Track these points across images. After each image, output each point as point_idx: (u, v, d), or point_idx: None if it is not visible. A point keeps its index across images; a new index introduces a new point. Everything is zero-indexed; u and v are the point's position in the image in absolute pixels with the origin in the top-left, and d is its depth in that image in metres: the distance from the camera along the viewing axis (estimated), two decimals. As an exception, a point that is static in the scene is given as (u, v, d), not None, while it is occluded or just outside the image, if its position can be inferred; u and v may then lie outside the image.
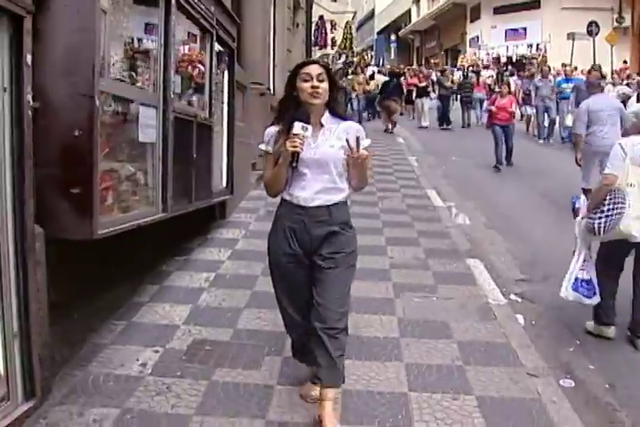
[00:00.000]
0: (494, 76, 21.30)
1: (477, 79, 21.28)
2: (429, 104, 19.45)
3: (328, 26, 24.37)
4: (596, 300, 4.52)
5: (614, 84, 14.95)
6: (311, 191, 3.00)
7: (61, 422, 3.10)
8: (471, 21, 34.58)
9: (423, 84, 19.78)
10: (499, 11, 31.90)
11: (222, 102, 6.59)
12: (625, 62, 21.96)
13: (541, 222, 7.69)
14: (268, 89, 11.96)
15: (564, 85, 15.24)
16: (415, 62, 41.32)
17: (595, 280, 4.52)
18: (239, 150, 7.42)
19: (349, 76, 21.02)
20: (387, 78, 19.58)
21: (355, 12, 38.00)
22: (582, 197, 5.06)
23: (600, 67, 14.09)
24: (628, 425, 3.50)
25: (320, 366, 3.07)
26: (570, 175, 9.04)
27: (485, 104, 15.55)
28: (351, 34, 29.90)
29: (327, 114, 3.04)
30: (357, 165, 2.96)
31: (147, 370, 3.67)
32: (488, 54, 32.07)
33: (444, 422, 3.20)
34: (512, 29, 32.01)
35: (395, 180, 10.23)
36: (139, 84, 4.20)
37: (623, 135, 4.78)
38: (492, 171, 11.66)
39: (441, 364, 3.84)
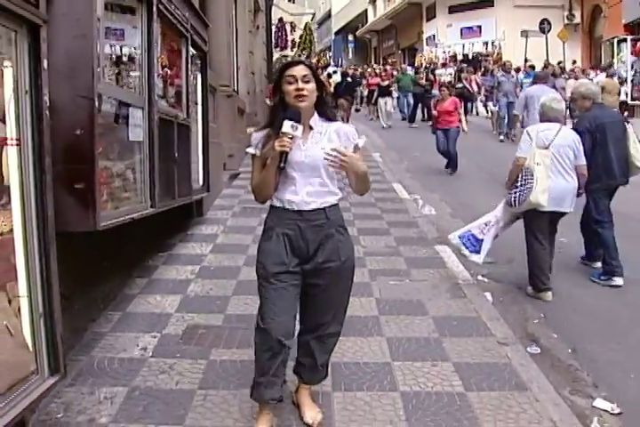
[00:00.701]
0: (452, 74, 21.78)
1: (434, 77, 21.83)
2: (392, 103, 19.62)
3: (288, 27, 24.66)
4: (474, 257, 5.40)
5: (577, 79, 15.21)
6: (303, 195, 2.85)
7: (74, 400, 3.36)
8: (427, 20, 35.17)
9: (386, 82, 19.65)
10: (454, 9, 32.54)
11: (196, 103, 6.83)
12: (574, 62, 22.68)
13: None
14: (234, 90, 12.24)
15: (526, 80, 15.47)
16: (373, 61, 41.85)
17: (486, 244, 5.35)
18: (212, 150, 7.69)
19: None
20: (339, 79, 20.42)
21: (313, 14, 38.37)
22: None
23: (560, 62, 14.75)
24: (589, 382, 3.89)
25: (302, 365, 3.16)
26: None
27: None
28: (311, 35, 30.21)
29: (316, 115, 2.90)
30: (346, 168, 2.78)
31: (147, 353, 3.94)
32: (445, 52, 32.71)
33: (426, 385, 3.54)
34: (467, 28, 32.68)
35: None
36: (124, 87, 4.44)
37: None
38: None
39: (419, 336, 4.19)
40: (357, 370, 3.70)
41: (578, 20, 26.99)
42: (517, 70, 19.14)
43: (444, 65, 23.82)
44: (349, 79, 20.52)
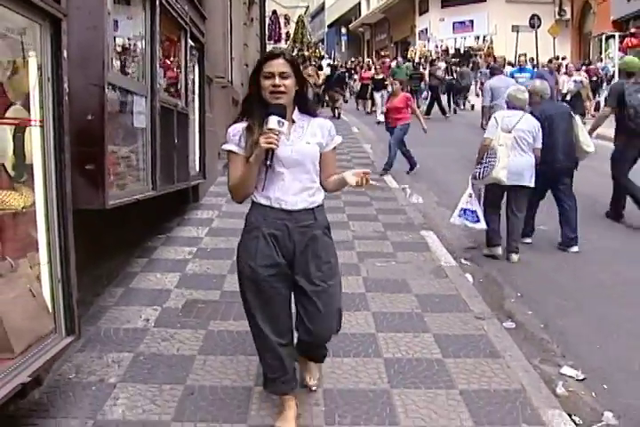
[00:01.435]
0: (442, 68, 22.07)
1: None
2: (386, 96, 19.38)
3: (282, 20, 24.90)
4: (480, 225, 6.08)
5: (569, 74, 15.20)
6: (293, 193, 2.77)
7: (84, 363, 3.67)
8: (420, 14, 35.48)
9: (380, 76, 19.15)
10: (446, 4, 32.92)
11: (194, 93, 7.11)
12: (563, 58, 23.00)
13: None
14: (229, 82, 12.50)
15: (518, 75, 15.31)
16: (366, 55, 42.11)
17: (479, 211, 6.06)
18: (208, 139, 7.97)
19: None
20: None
21: (307, 7, 38.55)
22: None
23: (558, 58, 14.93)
24: (557, 353, 4.22)
25: (303, 353, 3.26)
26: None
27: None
28: (303, 28, 30.43)
29: (296, 111, 2.84)
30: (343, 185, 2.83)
31: (150, 324, 4.25)
32: (437, 46, 33.03)
33: (407, 353, 3.87)
34: (459, 22, 33.05)
35: (352, 166, 10.87)
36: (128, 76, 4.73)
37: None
38: (440, 156, 12.17)
39: (402, 311, 4.51)
40: (345, 339, 4.00)
41: (568, 15, 27.36)
42: (510, 65, 19.39)
43: (433, 61, 23.88)
44: (337, 73, 20.90)
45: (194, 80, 7.06)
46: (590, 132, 7.00)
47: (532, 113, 6.16)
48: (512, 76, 15.66)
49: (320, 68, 22.09)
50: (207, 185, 8.29)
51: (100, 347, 3.88)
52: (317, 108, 15.91)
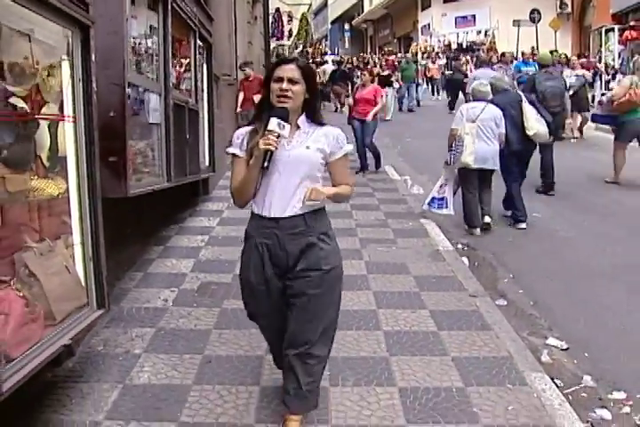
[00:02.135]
0: (439, 65, 22.24)
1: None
2: (392, 94, 18.33)
3: (285, 18, 25.22)
4: (447, 211, 6.89)
5: (573, 68, 15.03)
6: (282, 199, 2.70)
7: (111, 338, 4.05)
8: (422, 10, 35.71)
9: (386, 72, 18.77)
10: (448, -1, 33.15)
11: (202, 91, 7.47)
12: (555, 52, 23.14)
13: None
14: (235, 79, 12.85)
15: (524, 69, 15.11)
16: (369, 50, 42.36)
17: (448, 198, 6.83)
18: (217, 134, 8.33)
19: None
20: (334, 67, 21.10)
21: (310, 4, 38.85)
22: None
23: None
24: (545, 326, 4.57)
25: (288, 393, 2.92)
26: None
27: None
28: (307, 25, 30.77)
29: (303, 116, 2.78)
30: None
31: (169, 303, 4.62)
32: (439, 41, 33.29)
33: (405, 326, 4.23)
34: (462, 17, 33.25)
35: (355, 158, 11.20)
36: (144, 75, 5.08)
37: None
38: (442, 148, 12.43)
39: (401, 290, 4.87)
40: (347, 315, 4.35)
41: (569, 9, 27.57)
42: (516, 59, 19.37)
43: (457, 57, 23.78)
44: (341, 68, 21.19)
45: (202, 78, 7.40)
46: None
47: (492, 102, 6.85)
48: (519, 69, 15.50)
49: (321, 63, 22.48)
50: (216, 179, 8.66)
51: (123, 324, 4.25)
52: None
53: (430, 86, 23.69)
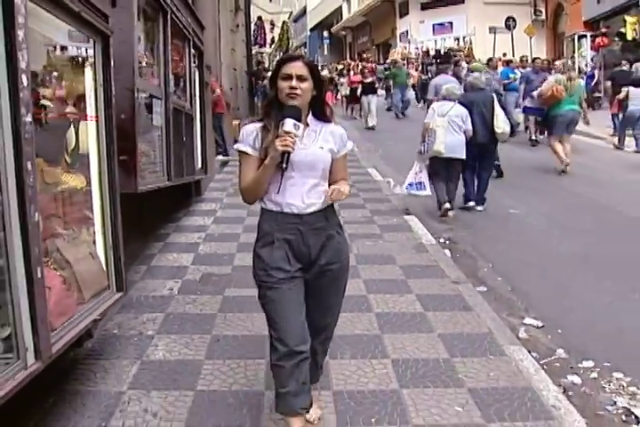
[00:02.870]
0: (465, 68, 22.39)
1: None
2: (376, 102, 18.00)
3: (267, 26, 25.63)
4: (425, 192, 7.75)
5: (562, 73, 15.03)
6: (303, 197, 2.73)
7: (124, 322, 4.39)
8: (400, 17, 36.27)
9: (369, 79, 18.28)
10: (426, 6, 33.69)
11: (195, 96, 7.83)
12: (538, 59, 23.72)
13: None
14: (221, 85, 13.22)
15: (512, 75, 15.04)
16: (348, 57, 42.88)
17: (425, 182, 7.74)
18: (208, 138, 8.69)
19: None
20: None
21: (291, 12, 39.34)
22: None
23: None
24: (522, 308, 4.97)
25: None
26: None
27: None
28: (287, 32, 31.21)
29: (311, 115, 2.81)
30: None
31: (174, 292, 4.97)
32: (417, 48, 33.86)
33: (394, 308, 4.62)
34: (439, 24, 33.84)
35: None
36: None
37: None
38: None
39: (389, 278, 5.27)
40: (341, 301, 4.73)
41: (544, 16, 28.28)
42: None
43: (457, 62, 24.01)
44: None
45: (195, 84, 7.76)
46: None
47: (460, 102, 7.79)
48: (507, 75, 15.28)
49: None
50: (208, 180, 9.01)
51: (134, 310, 4.60)
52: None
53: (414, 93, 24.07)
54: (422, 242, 6.42)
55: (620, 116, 13.33)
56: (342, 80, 22.26)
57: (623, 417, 3.44)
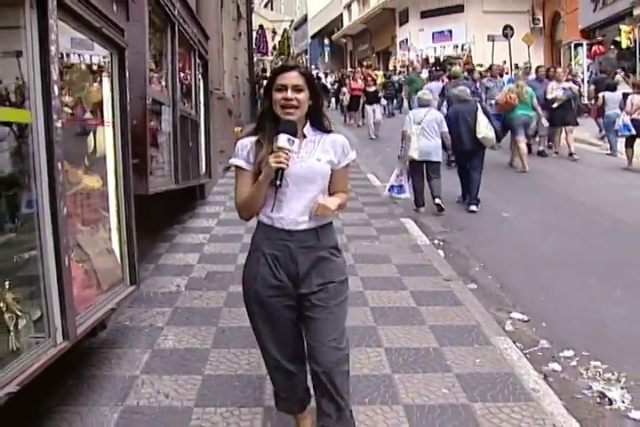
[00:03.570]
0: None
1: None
2: (380, 111, 17.70)
3: (269, 34, 26.01)
4: (405, 195, 8.59)
5: (559, 81, 14.92)
6: (296, 212, 2.59)
7: (135, 315, 4.69)
8: (400, 25, 36.64)
9: (372, 88, 17.77)
10: (425, 15, 34.06)
11: (200, 103, 8.15)
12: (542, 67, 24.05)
13: (458, 193, 9.51)
14: (223, 93, 13.55)
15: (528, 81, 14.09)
16: (349, 65, 43.31)
17: (405, 185, 8.59)
18: (212, 144, 9.00)
19: None
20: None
21: (292, 20, 39.77)
22: None
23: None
24: (510, 304, 5.27)
25: (327, 415, 2.70)
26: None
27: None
28: (288, 40, 31.63)
29: (308, 124, 2.67)
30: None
31: (182, 288, 5.27)
32: (417, 56, 34.24)
33: (389, 304, 4.92)
34: (439, 32, 34.19)
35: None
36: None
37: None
38: None
39: (385, 276, 5.57)
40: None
41: (542, 24, 28.66)
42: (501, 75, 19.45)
43: (471, 70, 24.09)
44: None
45: (200, 92, 8.08)
46: None
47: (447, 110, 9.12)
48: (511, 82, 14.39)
49: None
50: (211, 185, 9.32)
51: (144, 305, 4.90)
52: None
53: None
54: (417, 243, 6.72)
55: (601, 121, 13.58)
56: (344, 89, 21.35)
57: (598, 400, 3.73)
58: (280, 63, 31.45)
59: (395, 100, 22.26)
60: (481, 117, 8.52)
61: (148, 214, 6.52)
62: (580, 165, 11.77)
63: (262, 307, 2.67)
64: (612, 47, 20.02)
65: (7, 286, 2.51)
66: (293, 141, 2.50)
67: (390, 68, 32.10)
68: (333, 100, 25.12)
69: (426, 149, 8.24)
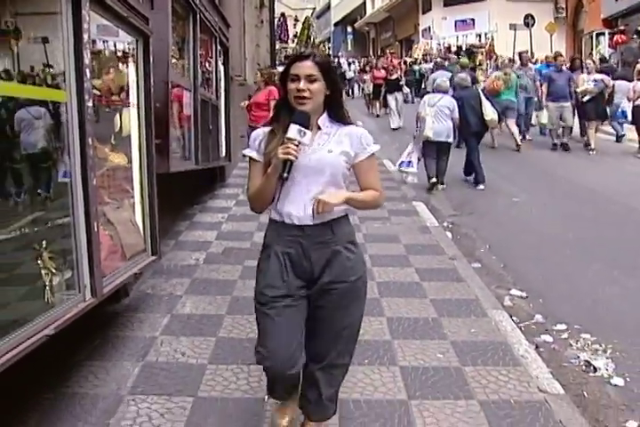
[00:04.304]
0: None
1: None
2: (402, 99, 17.16)
3: (290, 22, 26.24)
4: (412, 169, 9.33)
5: (590, 73, 13.30)
6: (305, 205, 2.48)
7: (156, 284, 5.03)
8: (423, 13, 36.61)
9: (394, 76, 17.32)
10: (448, 3, 34.00)
11: (221, 89, 8.45)
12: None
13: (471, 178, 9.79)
14: (245, 79, 13.85)
15: (545, 71, 14.09)
16: (372, 52, 43.34)
17: (414, 161, 9.32)
18: (232, 128, 9.31)
19: None
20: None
21: (314, 8, 39.90)
22: None
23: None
24: (510, 282, 5.53)
25: (308, 401, 2.78)
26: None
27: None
28: (309, 28, 31.79)
29: (325, 115, 2.55)
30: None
31: (200, 262, 5.61)
32: (439, 44, 34.23)
33: (394, 279, 5.21)
34: (461, 20, 34.15)
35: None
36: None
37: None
38: None
39: (392, 254, 5.86)
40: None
41: (565, 14, 28.54)
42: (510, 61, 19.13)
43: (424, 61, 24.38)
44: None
45: (220, 78, 8.38)
46: None
47: (452, 95, 9.43)
48: (540, 71, 14.60)
49: None
50: (231, 168, 9.65)
51: (165, 276, 5.24)
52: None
53: None
54: (427, 225, 6.99)
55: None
56: (365, 77, 21.05)
57: (583, 368, 4.01)
58: (302, 50, 31.66)
59: (415, 89, 22.39)
60: (485, 102, 9.42)
61: (170, 195, 6.87)
62: (596, 153, 11.91)
63: (266, 307, 2.55)
64: (635, 37, 19.93)
65: (44, 245, 2.83)
66: (305, 133, 2.39)
67: (415, 55, 32.05)
68: (356, 87, 25.26)
69: (439, 130, 8.92)
